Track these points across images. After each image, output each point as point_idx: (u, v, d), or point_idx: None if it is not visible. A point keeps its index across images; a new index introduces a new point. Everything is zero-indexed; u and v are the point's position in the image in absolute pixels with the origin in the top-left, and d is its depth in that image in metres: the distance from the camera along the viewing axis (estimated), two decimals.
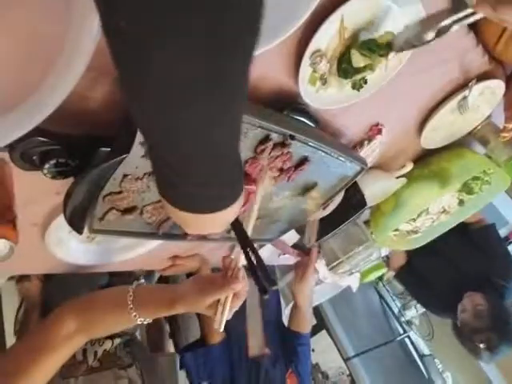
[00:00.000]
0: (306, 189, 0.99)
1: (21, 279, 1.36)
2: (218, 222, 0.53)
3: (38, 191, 0.75)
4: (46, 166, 0.57)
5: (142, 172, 0.71)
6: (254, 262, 0.61)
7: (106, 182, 0.63)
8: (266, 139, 0.75)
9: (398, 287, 3.69)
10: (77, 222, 0.65)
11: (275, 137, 0.76)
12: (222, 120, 0.37)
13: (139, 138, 0.61)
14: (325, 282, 1.83)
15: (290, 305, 1.93)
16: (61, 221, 0.83)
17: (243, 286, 0.67)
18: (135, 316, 0.68)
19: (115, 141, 0.60)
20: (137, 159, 0.67)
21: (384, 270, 1.94)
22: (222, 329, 0.66)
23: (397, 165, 1.26)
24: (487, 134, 1.26)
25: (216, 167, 0.42)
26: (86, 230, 0.91)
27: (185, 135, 0.37)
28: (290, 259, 1.65)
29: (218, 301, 0.67)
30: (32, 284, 1.33)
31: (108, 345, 1.30)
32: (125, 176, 0.69)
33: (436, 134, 1.21)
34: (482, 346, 1.54)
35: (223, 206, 0.48)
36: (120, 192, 0.72)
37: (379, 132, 1.06)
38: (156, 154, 0.43)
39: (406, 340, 3.53)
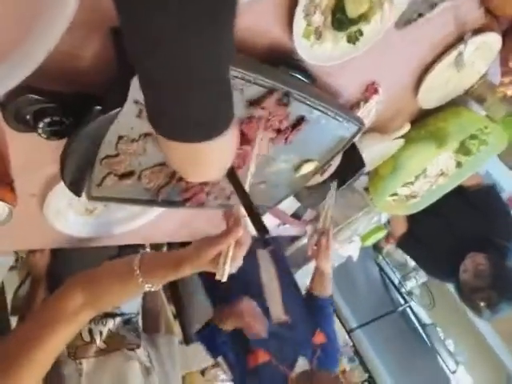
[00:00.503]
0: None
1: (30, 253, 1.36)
2: (212, 158, 0.51)
3: (34, 158, 0.74)
4: (41, 124, 0.56)
5: (138, 133, 0.70)
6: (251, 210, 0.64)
7: (102, 139, 0.62)
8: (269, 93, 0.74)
9: (398, 259, 3.73)
10: (74, 184, 0.64)
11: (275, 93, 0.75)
12: (203, 29, 0.36)
13: (132, 95, 0.60)
14: None
15: (299, 271, 1.95)
16: (59, 191, 0.82)
17: (244, 232, 0.67)
18: (142, 282, 0.67)
19: (108, 97, 0.59)
20: (132, 119, 0.66)
21: (384, 233, 1.95)
22: (224, 279, 0.67)
23: (394, 126, 1.25)
24: (484, 92, 1.25)
25: (197, 87, 0.41)
26: (83, 202, 0.91)
27: (160, 40, 0.36)
28: (290, 229, 1.65)
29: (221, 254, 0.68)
30: (42, 254, 1.33)
31: (110, 323, 1.31)
32: (120, 138, 0.68)
33: (432, 94, 1.20)
34: (482, 304, 1.56)
35: (212, 134, 0.46)
36: (117, 155, 0.71)
37: (375, 91, 1.04)
38: (140, 68, 0.41)
39: (408, 310, 3.59)
